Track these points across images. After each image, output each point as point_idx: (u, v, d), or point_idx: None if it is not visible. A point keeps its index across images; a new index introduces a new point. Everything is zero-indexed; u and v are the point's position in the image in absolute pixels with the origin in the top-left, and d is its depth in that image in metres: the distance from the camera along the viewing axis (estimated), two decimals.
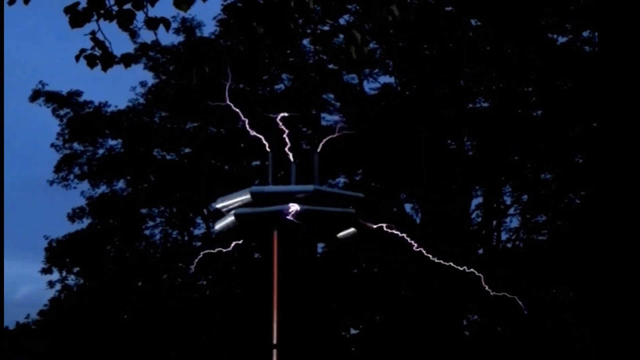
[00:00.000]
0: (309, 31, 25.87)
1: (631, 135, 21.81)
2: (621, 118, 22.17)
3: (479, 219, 25.03)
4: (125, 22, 6.72)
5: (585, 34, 24.50)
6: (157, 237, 27.85)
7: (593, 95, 22.79)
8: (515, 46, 24.12)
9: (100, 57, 6.99)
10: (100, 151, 27.59)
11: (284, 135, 12.76)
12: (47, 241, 27.24)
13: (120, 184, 27.74)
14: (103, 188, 27.60)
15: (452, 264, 13.49)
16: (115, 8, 6.72)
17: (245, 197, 12.95)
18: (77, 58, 6.98)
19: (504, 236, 25.12)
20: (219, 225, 13.24)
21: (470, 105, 25.20)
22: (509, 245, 25.14)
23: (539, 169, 24.81)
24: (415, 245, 12.70)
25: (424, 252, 13.05)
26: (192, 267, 14.22)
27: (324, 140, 12.96)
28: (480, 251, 24.95)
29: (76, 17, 6.69)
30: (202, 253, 13.22)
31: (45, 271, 27.15)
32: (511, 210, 25.22)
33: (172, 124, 27.44)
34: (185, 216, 27.65)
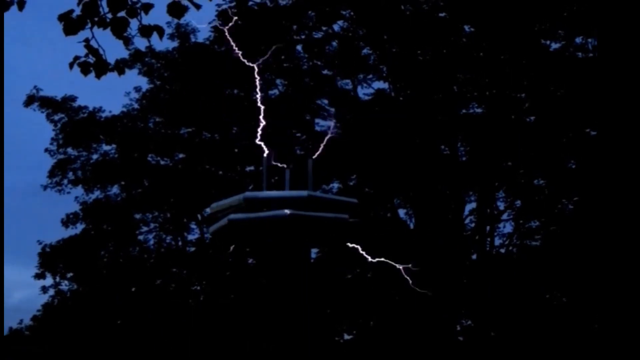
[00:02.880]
0: (303, 37, 25.97)
1: (625, 140, 21.88)
2: (616, 124, 22.24)
3: (473, 224, 25.08)
4: (119, 29, 6.74)
5: (579, 40, 24.59)
6: (151, 242, 27.85)
7: (586, 101, 22.87)
8: (508, 52, 24.20)
9: (94, 64, 7.01)
10: (95, 156, 27.60)
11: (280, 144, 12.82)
12: (41, 246, 27.23)
13: (114, 189, 27.75)
14: (97, 193, 27.61)
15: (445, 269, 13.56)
16: (109, 16, 6.75)
17: (239, 202, 12.97)
18: (71, 65, 7.00)
19: (497, 241, 25.20)
20: (213, 228, 13.29)
21: (464, 111, 25.27)
22: (503, 250, 25.20)
23: (532, 175, 24.87)
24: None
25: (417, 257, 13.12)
26: None
27: (318, 147, 13.00)
28: (474, 256, 25.00)
29: (70, 25, 6.71)
30: None
31: (39, 276, 27.11)
32: (504, 216, 25.28)
33: (167, 130, 27.46)
34: (179, 221, 27.64)
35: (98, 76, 7.02)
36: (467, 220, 25.11)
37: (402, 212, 25.77)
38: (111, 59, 7.19)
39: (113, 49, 7.51)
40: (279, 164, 12.78)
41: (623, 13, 21.38)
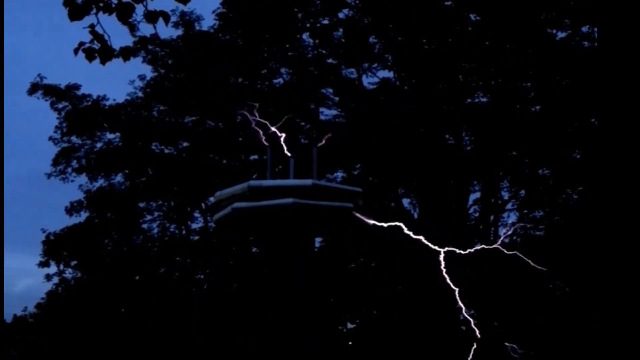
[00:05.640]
0: (308, 25, 25.88)
1: (629, 131, 21.81)
2: (620, 114, 22.16)
3: (477, 214, 25.05)
4: (124, 15, 6.71)
5: (584, 29, 24.49)
6: (155, 231, 27.87)
7: (591, 91, 22.78)
8: (514, 41, 24.10)
9: (99, 50, 6.97)
10: (99, 145, 27.62)
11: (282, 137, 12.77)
12: (45, 234, 27.27)
13: (118, 177, 27.78)
14: (101, 181, 27.65)
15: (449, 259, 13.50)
16: (115, 1, 6.71)
17: (243, 191, 12.94)
18: (76, 51, 6.96)
19: (501, 231, 25.15)
20: (217, 216, 13.28)
21: (469, 101, 25.19)
22: (507, 240, 25.16)
23: (536, 165, 24.81)
24: (413, 238, 12.73)
25: (424, 241, 13.08)
26: None
27: (324, 138, 12.96)
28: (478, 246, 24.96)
29: (75, 10, 6.67)
30: None
31: (43, 264, 27.16)
32: (509, 206, 25.25)
33: (171, 118, 27.43)
34: (183, 210, 27.64)
35: (103, 62, 6.99)
36: (471, 210, 25.11)
37: (406, 202, 25.78)
38: (116, 46, 7.16)
39: (118, 36, 7.48)
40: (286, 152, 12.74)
41: (624, 4, 21.27)
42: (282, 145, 12.95)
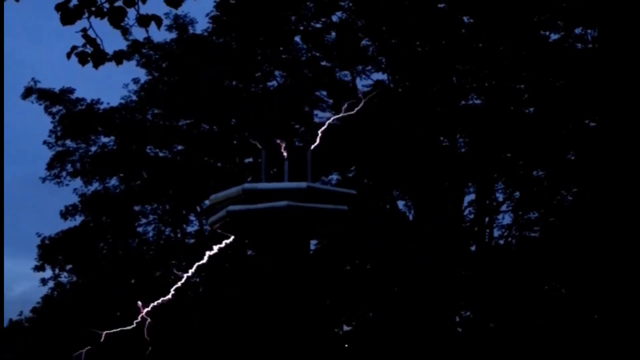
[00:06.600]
0: (301, 28, 25.91)
1: (625, 132, 21.82)
2: (616, 115, 22.18)
3: (472, 216, 25.07)
4: (116, 19, 6.71)
5: (578, 31, 24.54)
6: (150, 234, 27.85)
7: (586, 93, 22.83)
8: (507, 43, 24.15)
9: (92, 54, 6.98)
10: (93, 148, 27.59)
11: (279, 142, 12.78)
12: (40, 238, 27.23)
13: (113, 181, 27.75)
14: (96, 185, 27.61)
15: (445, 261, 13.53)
16: (107, 5, 6.71)
17: (238, 194, 12.94)
18: (69, 55, 6.97)
19: (496, 233, 25.19)
20: (212, 219, 13.28)
21: (463, 103, 25.23)
22: (502, 241, 25.20)
23: (531, 166, 24.85)
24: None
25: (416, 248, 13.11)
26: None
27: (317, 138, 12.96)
28: (473, 248, 24.99)
29: (67, 14, 6.68)
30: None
31: (38, 269, 27.13)
32: (503, 207, 25.28)
33: (165, 121, 27.41)
34: (178, 213, 27.62)
35: (96, 66, 6.99)
36: (466, 212, 25.12)
37: (401, 204, 25.78)
38: (109, 50, 7.16)
39: (111, 41, 7.48)
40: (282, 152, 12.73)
41: (624, 3, 21.29)
42: (277, 148, 12.96)
